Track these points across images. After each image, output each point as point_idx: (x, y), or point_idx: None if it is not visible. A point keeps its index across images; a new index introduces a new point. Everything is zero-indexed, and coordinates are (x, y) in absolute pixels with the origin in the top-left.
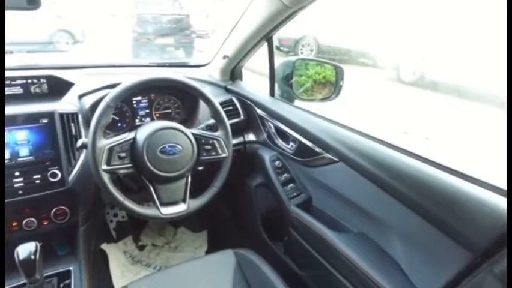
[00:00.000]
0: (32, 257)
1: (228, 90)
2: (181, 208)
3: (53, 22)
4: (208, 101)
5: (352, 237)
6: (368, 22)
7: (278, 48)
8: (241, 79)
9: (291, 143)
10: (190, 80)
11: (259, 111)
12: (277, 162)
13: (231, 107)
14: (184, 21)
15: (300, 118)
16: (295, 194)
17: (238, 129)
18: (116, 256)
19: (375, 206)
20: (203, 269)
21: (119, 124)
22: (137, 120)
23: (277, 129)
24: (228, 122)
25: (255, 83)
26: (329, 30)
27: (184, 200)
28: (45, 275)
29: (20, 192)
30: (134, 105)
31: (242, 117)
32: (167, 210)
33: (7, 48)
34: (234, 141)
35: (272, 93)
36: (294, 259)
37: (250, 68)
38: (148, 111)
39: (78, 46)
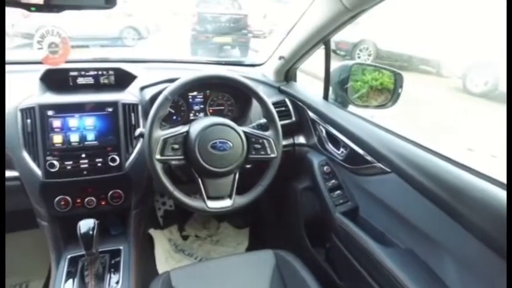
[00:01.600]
0: (91, 232)
1: (281, 91)
2: (226, 203)
3: (123, 20)
4: (261, 101)
5: (399, 253)
6: (434, 26)
7: (334, 52)
8: (295, 81)
9: (342, 149)
10: (245, 78)
11: (311, 114)
12: (325, 167)
13: (283, 108)
14: (242, 21)
15: (353, 124)
16: (341, 201)
17: (288, 131)
18: (162, 242)
19: (427, 223)
20: (242, 266)
21: (174, 117)
22: (191, 115)
23: (329, 133)
24: (279, 123)
25: (308, 84)
26: (389, 34)
27: (230, 196)
28: (99, 250)
29: (85, 172)
30: (190, 100)
31: (294, 118)
32: (213, 204)
33: (85, 43)
34: (284, 143)
35: (326, 97)
36: (334, 267)
37: (302, 69)
38: (202, 106)
39: (142, 42)
